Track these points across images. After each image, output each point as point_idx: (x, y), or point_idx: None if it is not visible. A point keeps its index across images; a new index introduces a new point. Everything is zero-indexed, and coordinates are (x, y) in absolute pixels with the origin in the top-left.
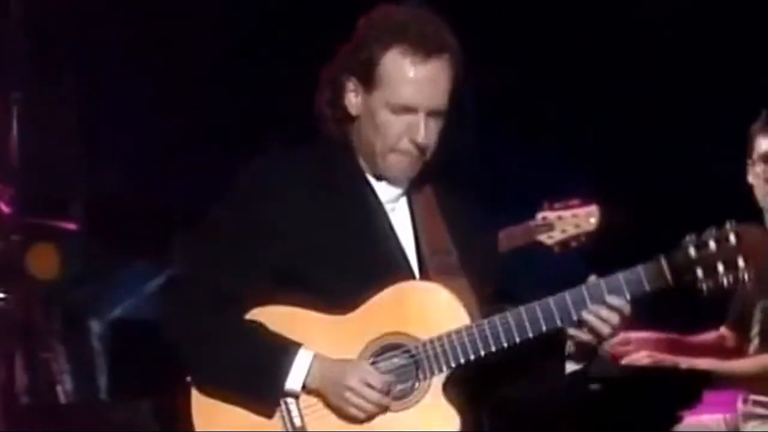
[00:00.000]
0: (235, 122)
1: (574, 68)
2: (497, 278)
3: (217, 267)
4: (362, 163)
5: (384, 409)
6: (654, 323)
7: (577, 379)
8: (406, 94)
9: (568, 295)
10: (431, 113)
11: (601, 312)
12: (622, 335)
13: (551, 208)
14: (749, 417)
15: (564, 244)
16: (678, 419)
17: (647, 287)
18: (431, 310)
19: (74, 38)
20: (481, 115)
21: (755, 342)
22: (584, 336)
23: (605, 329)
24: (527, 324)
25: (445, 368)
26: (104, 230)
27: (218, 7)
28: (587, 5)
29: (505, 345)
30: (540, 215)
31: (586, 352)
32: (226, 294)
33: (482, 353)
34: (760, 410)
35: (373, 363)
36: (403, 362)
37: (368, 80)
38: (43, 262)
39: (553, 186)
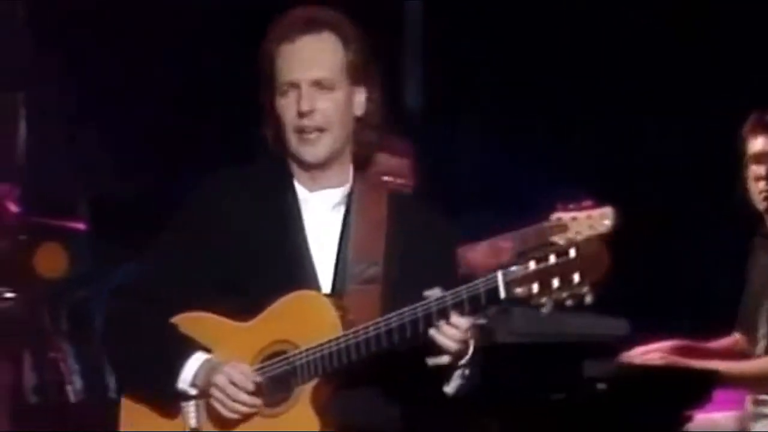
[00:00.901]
0: (239, 124)
1: (560, 72)
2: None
3: (154, 278)
4: (296, 174)
5: (250, 408)
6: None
7: (584, 379)
8: (284, 70)
9: (418, 308)
10: (314, 84)
11: (443, 328)
12: (640, 348)
13: (565, 209)
14: (759, 417)
15: None
16: (688, 419)
17: (483, 301)
18: (311, 319)
19: (81, 39)
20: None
21: (762, 343)
22: (438, 359)
23: (450, 344)
24: (382, 335)
25: (315, 376)
26: (111, 229)
27: (223, 8)
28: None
29: (364, 354)
30: (554, 216)
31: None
32: (158, 303)
33: (346, 362)
34: None
35: (259, 368)
36: (283, 368)
37: (273, 84)
38: (51, 261)
39: (549, 189)
